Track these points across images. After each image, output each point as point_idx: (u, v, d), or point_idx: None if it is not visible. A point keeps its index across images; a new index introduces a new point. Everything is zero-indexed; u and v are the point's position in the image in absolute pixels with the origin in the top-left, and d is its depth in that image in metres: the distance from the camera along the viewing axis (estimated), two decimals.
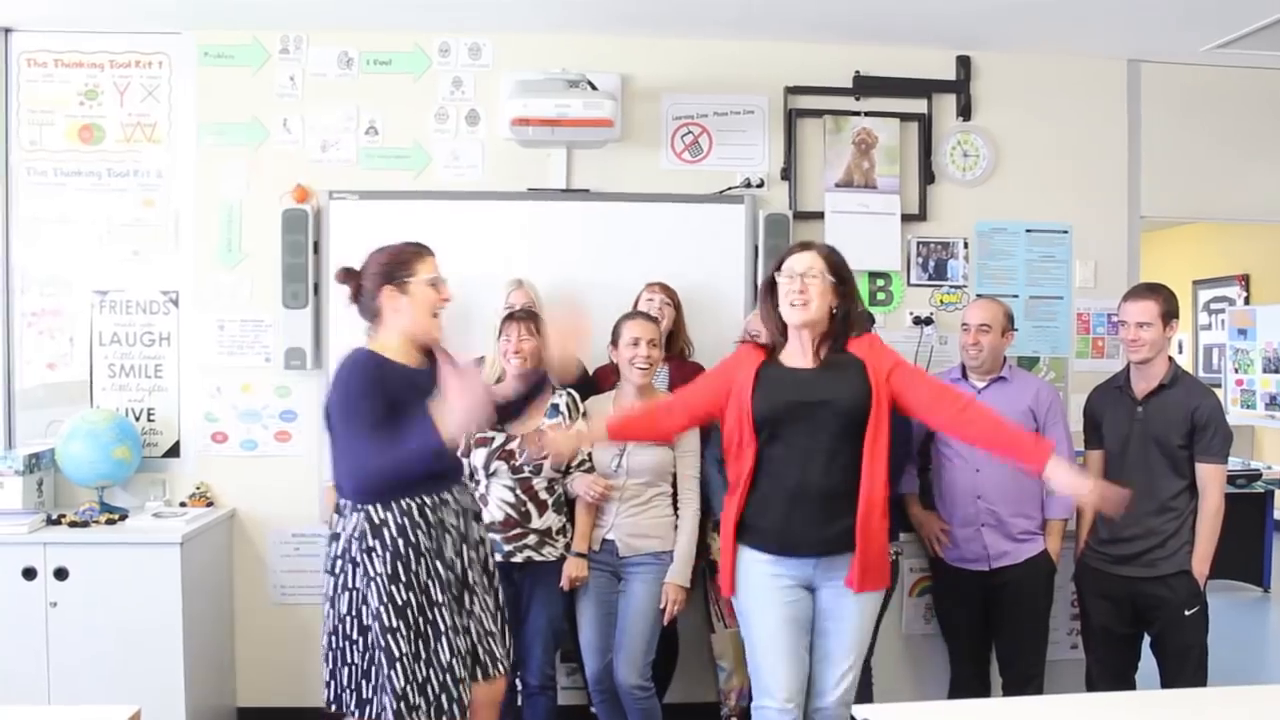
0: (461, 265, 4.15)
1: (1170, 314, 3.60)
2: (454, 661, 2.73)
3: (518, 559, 3.47)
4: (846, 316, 2.95)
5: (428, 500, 2.77)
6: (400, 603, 2.70)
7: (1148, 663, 3.74)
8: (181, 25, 4.28)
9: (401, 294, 2.83)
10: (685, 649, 4.09)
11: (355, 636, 2.78)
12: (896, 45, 4.47)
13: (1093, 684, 3.79)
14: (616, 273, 4.13)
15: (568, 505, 3.61)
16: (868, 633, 3.03)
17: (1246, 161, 4.68)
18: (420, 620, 2.72)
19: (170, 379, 4.34)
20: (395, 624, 2.70)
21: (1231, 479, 5.39)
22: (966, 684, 3.90)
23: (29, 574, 3.74)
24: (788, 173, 4.47)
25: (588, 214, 4.33)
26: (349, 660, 2.81)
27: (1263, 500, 6.36)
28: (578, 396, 3.63)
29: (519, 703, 3.65)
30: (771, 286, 2.97)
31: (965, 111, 4.53)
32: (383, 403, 2.71)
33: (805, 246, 3.00)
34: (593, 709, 3.73)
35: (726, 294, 4.32)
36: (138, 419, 4.30)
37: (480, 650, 2.86)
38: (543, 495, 3.51)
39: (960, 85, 4.53)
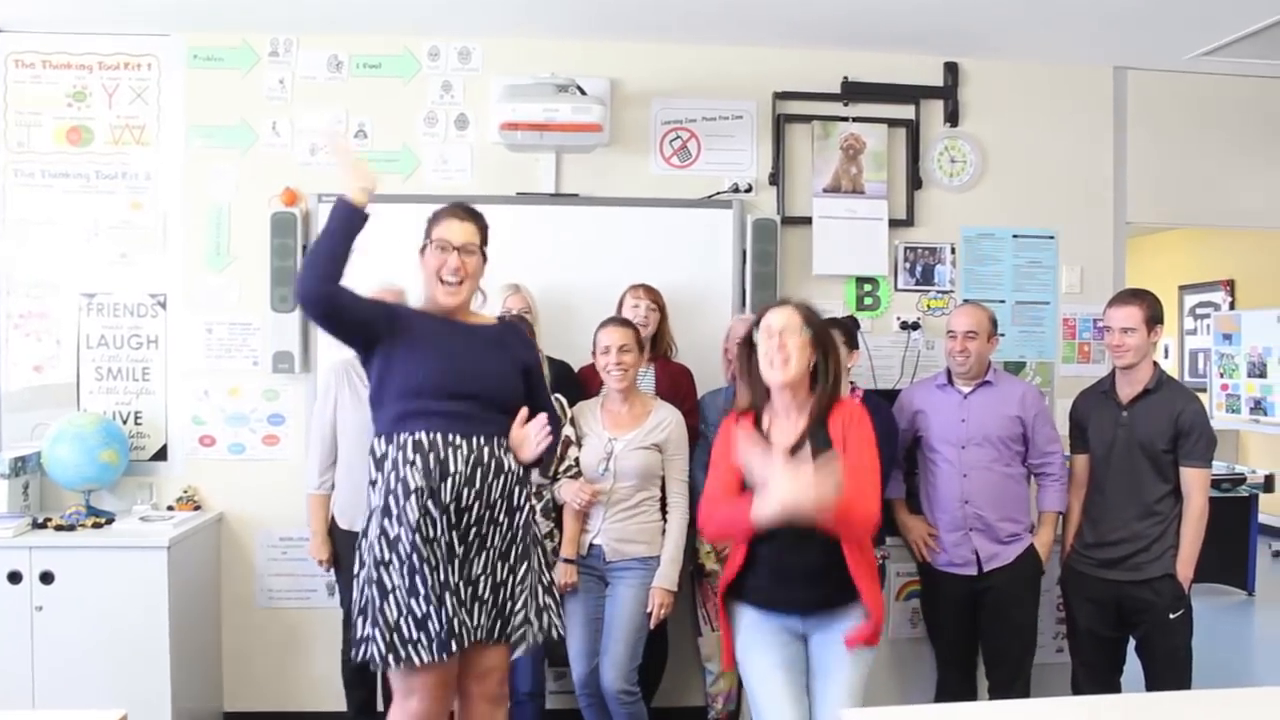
0: None
1: (1155, 319, 3.62)
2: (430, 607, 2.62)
3: None
4: (828, 377, 2.81)
5: (426, 437, 2.69)
6: (391, 537, 2.66)
7: (1133, 665, 3.76)
8: (170, 27, 4.27)
9: (421, 258, 2.85)
10: (673, 652, 4.10)
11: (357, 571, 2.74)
12: (885, 51, 4.49)
13: (1078, 687, 3.80)
14: (605, 277, 4.13)
15: (556, 511, 3.61)
16: (864, 678, 2.88)
17: (1231, 168, 4.71)
18: (414, 556, 2.63)
19: (158, 382, 4.33)
20: (388, 557, 2.66)
21: (1216, 483, 5.42)
22: (953, 687, 3.91)
23: (14, 578, 3.72)
24: (776, 178, 4.49)
25: (576, 218, 4.34)
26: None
27: (1247, 504, 6.39)
28: (565, 401, 3.63)
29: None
30: (750, 346, 2.86)
31: (953, 117, 4.56)
32: (378, 303, 2.83)
33: (782, 303, 2.89)
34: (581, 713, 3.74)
35: (714, 298, 4.33)
36: (125, 422, 4.29)
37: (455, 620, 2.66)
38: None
39: (948, 91, 4.55)
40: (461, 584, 2.69)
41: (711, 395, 3.95)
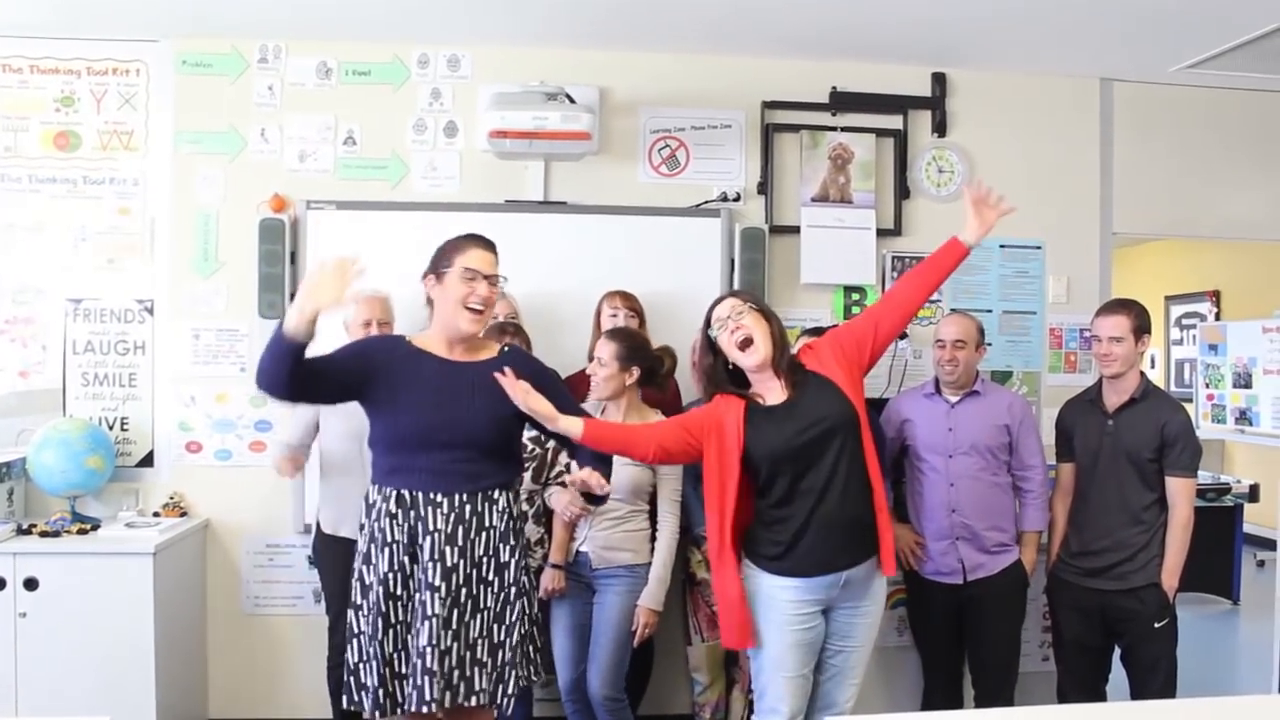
0: None
1: (1142, 329, 3.64)
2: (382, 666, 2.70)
3: None
4: (782, 337, 2.99)
5: (408, 494, 2.74)
6: (365, 583, 2.73)
7: (1119, 674, 3.77)
8: (159, 33, 4.27)
9: (439, 284, 2.84)
10: (661, 660, 4.10)
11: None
12: (873, 62, 4.51)
13: (1063, 695, 3.82)
14: (593, 285, 4.12)
15: (546, 516, 3.61)
16: (871, 648, 3.09)
17: (1216, 180, 4.75)
18: (379, 606, 2.69)
19: (144, 388, 4.31)
20: (359, 602, 2.73)
21: (1201, 493, 5.45)
22: (939, 695, 3.92)
23: None
24: (764, 187, 4.50)
25: (565, 226, 4.34)
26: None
27: (1232, 514, 6.42)
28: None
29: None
30: (711, 348, 3.02)
31: (940, 128, 4.58)
32: (351, 360, 2.80)
33: (720, 298, 3.07)
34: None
35: (702, 307, 4.27)
36: (111, 428, 4.28)
37: (401, 680, 2.71)
38: (522, 506, 3.50)
39: (936, 102, 4.57)
40: (459, 646, 2.71)
41: (698, 405, 3.94)
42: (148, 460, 4.31)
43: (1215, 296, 8.50)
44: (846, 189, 4.52)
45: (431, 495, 2.73)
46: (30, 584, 3.71)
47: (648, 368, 3.57)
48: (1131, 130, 4.68)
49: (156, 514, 4.21)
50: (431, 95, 4.40)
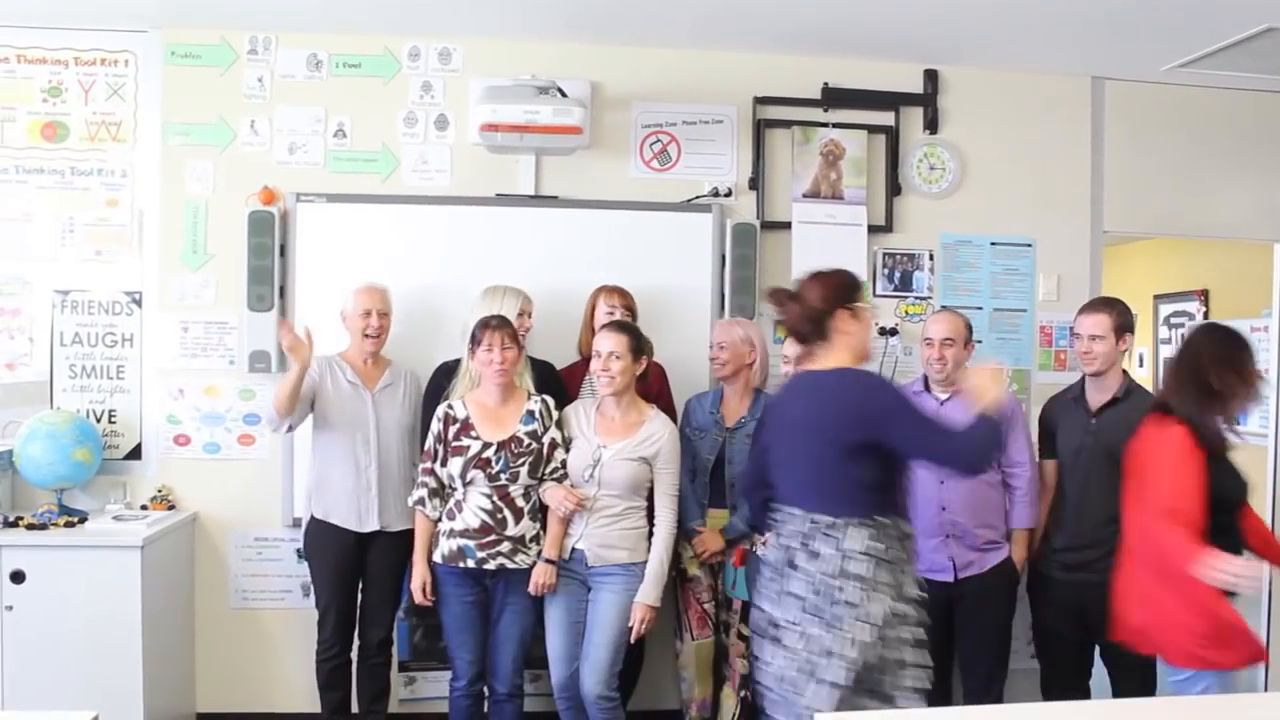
0: (428, 270, 4.20)
1: (1124, 327, 3.65)
2: None
3: (490, 566, 3.47)
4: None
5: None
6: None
7: (1102, 668, 3.79)
8: (148, 24, 4.24)
9: (854, 318, 2.93)
10: (652, 655, 4.10)
11: None
12: (865, 58, 4.51)
13: (1047, 690, 3.83)
14: (584, 279, 4.12)
15: (542, 512, 3.60)
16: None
17: (1206, 179, 4.75)
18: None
19: (132, 380, 4.29)
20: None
21: None
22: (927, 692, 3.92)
23: None
24: (756, 182, 4.50)
25: (556, 221, 4.33)
26: None
27: None
28: (552, 403, 3.62)
29: (485, 709, 3.64)
30: None
31: (932, 125, 4.58)
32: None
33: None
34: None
35: (693, 302, 4.33)
36: (99, 420, 4.25)
37: None
38: (519, 502, 3.50)
39: (927, 99, 4.57)
40: None
41: (698, 399, 3.95)
42: (135, 453, 4.29)
43: (1204, 296, 8.49)
44: (838, 185, 4.52)
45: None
46: (17, 577, 3.70)
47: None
48: (1122, 129, 4.69)
49: (144, 507, 4.19)
50: (422, 88, 4.38)
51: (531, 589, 3.51)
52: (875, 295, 4.54)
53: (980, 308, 4.55)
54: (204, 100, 4.30)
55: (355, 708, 3.97)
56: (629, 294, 3.99)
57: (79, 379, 4.27)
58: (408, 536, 3.69)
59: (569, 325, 4.03)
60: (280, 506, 4.25)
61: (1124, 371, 3.69)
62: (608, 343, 3.52)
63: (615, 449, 3.51)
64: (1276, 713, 2.63)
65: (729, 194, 4.46)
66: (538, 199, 4.37)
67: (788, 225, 4.49)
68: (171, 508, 4.22)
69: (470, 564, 3.47)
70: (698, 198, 4.44)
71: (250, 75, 4.32)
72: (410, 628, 4.33)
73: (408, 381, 3.93)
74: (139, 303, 4.29)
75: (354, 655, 3.94)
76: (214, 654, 4.31)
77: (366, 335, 3.82)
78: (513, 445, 3.49)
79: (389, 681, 4.02)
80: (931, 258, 4.59)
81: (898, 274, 4.56)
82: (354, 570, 3.86)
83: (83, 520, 3.96)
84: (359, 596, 3.91)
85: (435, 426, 3.55)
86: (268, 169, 4.30)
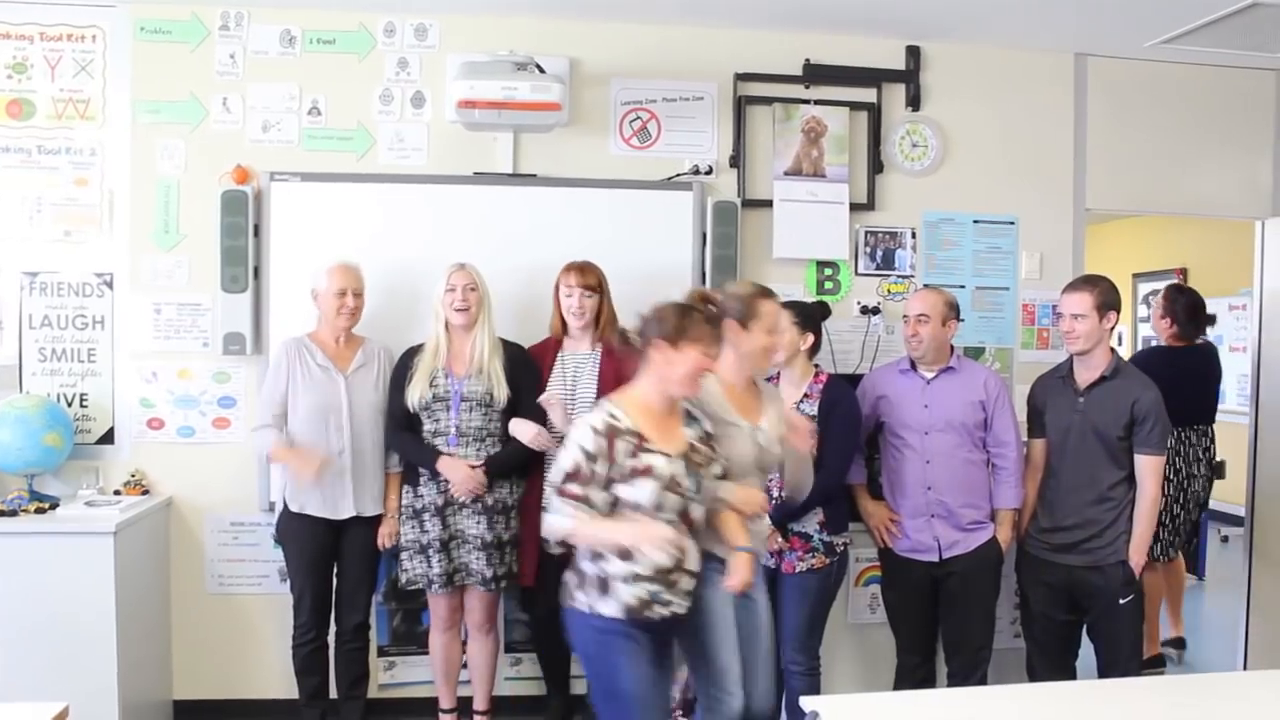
0: (405, 250, 4.14)
1: (1107, 305, 3.64)
2: None
3: (680, 611, 2.86)
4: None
5: None
6: None
7: (1088, 649, 3.79)
8: None
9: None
10: None
11: None
12: (847, 34, 4.46)
13: (1033, 670, 3.84)
14: (563, 259, 4.06)
15: None
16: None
17: (1188, 156, 4.74)
18: None
19: (104, 364, 4.21)
20: None
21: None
22: (913, 673, 3.92)
23: None
24: (737, 160, 4.45)
25: (535, 199, 4.27)
26: None
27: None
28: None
29: None
30: None
31: (914, 102, 4.54)
32: None
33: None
34: None
35: (675, 281, 4.24)
36: (70, 404, 4.18)
37: None
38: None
39: (910, 75, 4.53)
40: None
41: None
42: (108, 437, 4.22)
43: (1183, 274, 8.55)
44: (820, 163, 4.47)
45: None
46: None
47: None
48: (1105, 106, 4.66)
49: (117, 492, 4.12)
50: (398, 65, 4.30)
51: (740, 587, 2.90)
52: (857, 274, 4.51)
53: (963, 286, 4.52)
54: (175, 77, 4.20)
55: (334, 693, 3.94)
56: (592, 271, 3.88)
57: (49, 362, 4.19)
58: (379, 520, 3.77)
59: (546, 305, 3.97)
60: (256, 490, 4.19)
61: (1112, 349, 3.69)
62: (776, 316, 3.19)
63: (766, 431, 3.13)
64: (1254, 690, 2.64)
65: (710, 172, 4.42)
66: (516, 177, 4.31)
67: (769, 203, 4.44)
68: (145, 492, 4.15)
69: (661, 614, 2.80)
70: (678, 175, 4.39)
71: (222, 51, 4.23)
72: (390, 612, 4.29)
73: (381, 360, 3.88)
74: (110, 284, 4.21)
75: (330, 640, 3.91)
76: (191, 641, 4.25)
77: (340, 314, 3.77)
78: (693, 456, 2.87)
79: (367, 667, 4.00)
80: (914, 236, 4.55)
81: (880, 252, 4.53)
82: (328, 555, 3.84)
83: (54, 506, 3.89)
84: (334, 581, 3.88)
85: (596, 442, 2.74)
86: (241, 147, 4.21)
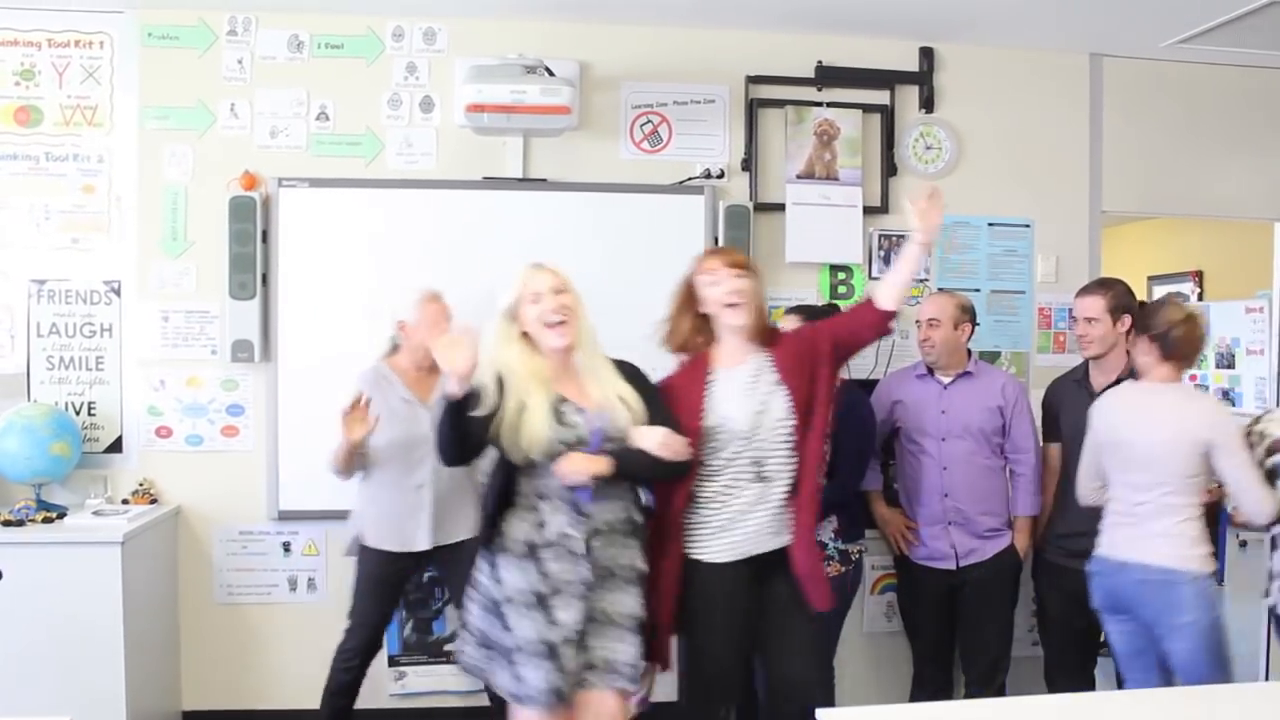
0: (414, 257, 4.11)
1: (1121, 309, 3.59)
2: None
3: None
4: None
5: None
6: None
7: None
8: (124, 4, 4.12)
9: None
10: None
11: None
12: (859, 36, 4.42)
13: (1051, 679, 3.78)
14: (574, 264, 3.97)
15: None
16: None
17: (1205, 157, 4.68)
18: None
19: (112, 372, 4.18)
20: None
21: None
22: (929, 682, 3.87)
23: None
24: (748, 164, 4.40)
25: (545, 204, 4.23)
26: None
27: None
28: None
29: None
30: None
31: (928, 104, 4.49)
32: None
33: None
34: None
35: None
36: (78, 413, 4.15)
37: None
38: None
39: (923, 77, 4.48)
40: None
41: None
42: (116, 446, 4.18)
43: (1198, 276, 8.47)
44: (832, 166, 4.43)
45: None
46: None
47: None
48: (1121, 107, 4.61)
49: (125, 501, 4.10)
50: (407, 69, 4.27)
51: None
52: (871, 277, 4.46)
53: (978, 290, 4.47)
54: (182, 83, 4.18)
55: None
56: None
57: (57, 370, 4.16)
58: (467, 543, 3.50)
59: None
60: (265, 499, 4.15)
61: (1127, 352, 3.62)
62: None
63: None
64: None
65: (721, 175, 4.37)
66: (526, 182, 4.27)
67: (781, 207, 4.40)
68: (154, 501, 4.12)
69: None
70: (689, 179, 4.34)
71: (230, 57, 4.21)
72: (400, 621, 4.25)
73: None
74: (118, 292, 4.18)
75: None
76: (199, 651, 4.21)
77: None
78: None
79: None
80: None
81: (894, 256, 4.47)
82: (397, 587, 3.73)
83: (61, 516, 3.86)
84: (396, 612, 3.81)
85: None
86: (249, 153, 4.19)
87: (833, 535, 3.58)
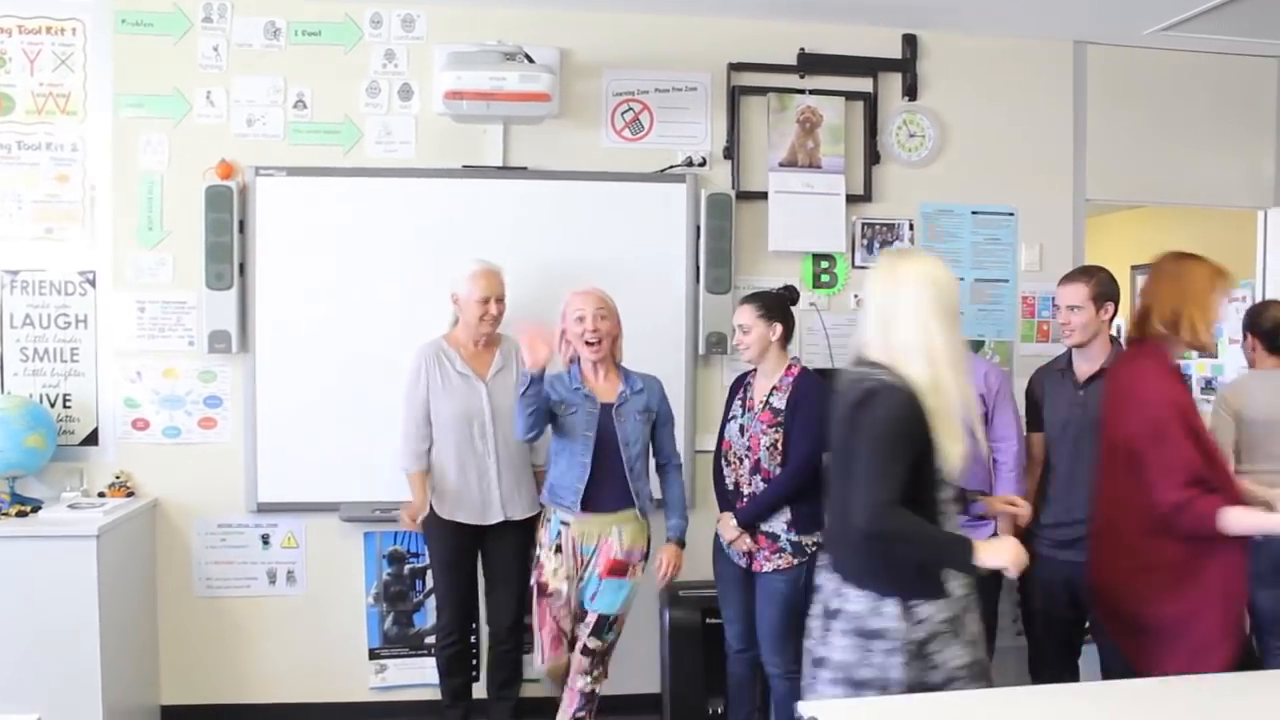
0: (393, 246, 4.08)
1: (1104, 296, 3.57)
2: None
3: None
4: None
5: None
6: None
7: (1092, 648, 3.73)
8: None
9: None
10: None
11: None
12: (842, 22, 4.39)
13: (1035, 669, 3.77)
14: (555, 253, 4.02)
15: None
16: None
17: (1189, 146, 4.68)
18: None
19: (87, 363, 4.14)
20: None
21: None
22: None
23: None
24: (730, 151, 4.38)
25: (525, 192, 4.20)
26: None
27: None
28: None
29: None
30: None
31: (911, 91, 4.47)
32: None
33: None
34: None
35: (668, 275, 4.23)
36: (53, 405, 4.10)
37: None
38: None
39: (906, 64, 4.46)
40: None
41: (556, 377, 3.60)
42: (92, 438, 4.14)
43: None
44: (815, 154, 4.40)
45: None
46: None
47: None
48: (1105, 95, 4.60)
49: (102, 494, 4.05)
50: (385, 56, 4.22)
51: None
52: (854, 266, 4.44)
53: (961, 278, 4.45)
54: (157, 70, 4.12)
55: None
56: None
57: (31, 362, 4.11)
58: (529, 523, 3.69)
59: (538, 303, 3.89)
60: (244, 491, 4.12)
61: (1111, 340, 3.61)
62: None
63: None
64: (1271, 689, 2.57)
65: (703, 164, 4.34)
66: (506, 170, 4.23)
67: (764, 195, 4.37)
68: (131, 494, 4.07)
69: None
70: (671, 168, 4.31)
71: (205, 44, 4.15)
72: (381, 614, 4.22)
73: (518, 359, 3.72)
74: (93, 282, 4.13)
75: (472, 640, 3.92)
76: (179, 645, 4.18)
77: (483, 322, 3.68)
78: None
79: (520, 669, 3.93)
80: (911, 227, 4.49)
81: (877, 244, 4.46)
82: (471, 558, 3.80)
83: (36, 509, 3.82)
84: (478, 582, 3.86)
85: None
86: (225, 142, 4.14)
87: (785, 527, 3.49)
